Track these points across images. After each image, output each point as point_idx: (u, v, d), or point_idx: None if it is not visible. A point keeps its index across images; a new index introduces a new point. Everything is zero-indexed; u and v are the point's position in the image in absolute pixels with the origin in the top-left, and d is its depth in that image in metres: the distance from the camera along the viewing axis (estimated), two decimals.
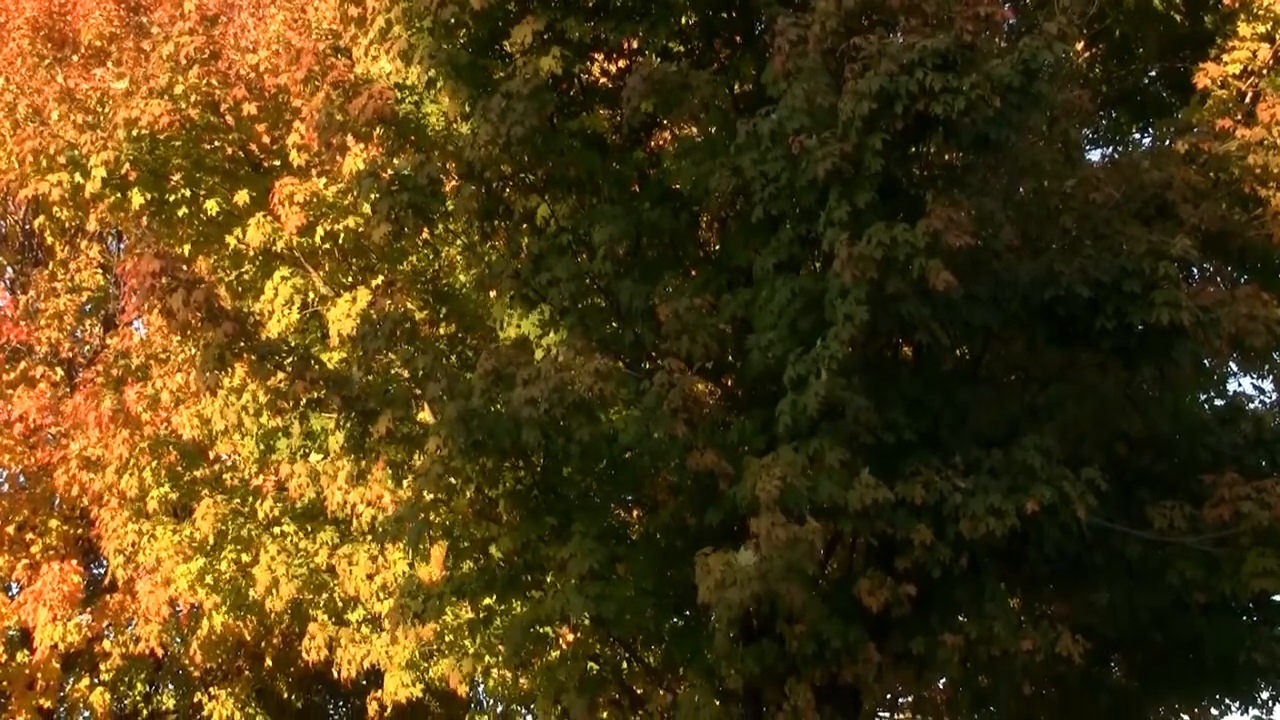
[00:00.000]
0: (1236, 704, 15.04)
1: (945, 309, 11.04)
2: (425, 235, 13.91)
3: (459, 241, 15.05)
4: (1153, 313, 11.07)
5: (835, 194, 10.61)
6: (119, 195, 15.91)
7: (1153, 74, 17.70)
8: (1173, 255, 11.20)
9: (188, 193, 16.12)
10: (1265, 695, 14.80)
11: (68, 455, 19.20)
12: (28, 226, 24.15)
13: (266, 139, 16.77)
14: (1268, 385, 17.68)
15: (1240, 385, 24.62)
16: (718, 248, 13.52)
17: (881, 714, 22.64)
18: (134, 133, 15.59)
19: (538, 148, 12.28)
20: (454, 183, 12.80)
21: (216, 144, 16.40)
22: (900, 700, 21.50)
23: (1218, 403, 14.21)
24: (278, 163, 16.56)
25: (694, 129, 13.20)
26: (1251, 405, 14.54)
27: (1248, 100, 14.73)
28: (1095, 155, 18.03)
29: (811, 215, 11.01)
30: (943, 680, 16.76)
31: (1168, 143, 15.17)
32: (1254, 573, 11.29)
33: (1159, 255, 11.22)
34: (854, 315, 10.26)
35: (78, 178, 15.82)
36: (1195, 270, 14.44)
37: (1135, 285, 11.18)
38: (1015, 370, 13.22)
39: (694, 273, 13.18)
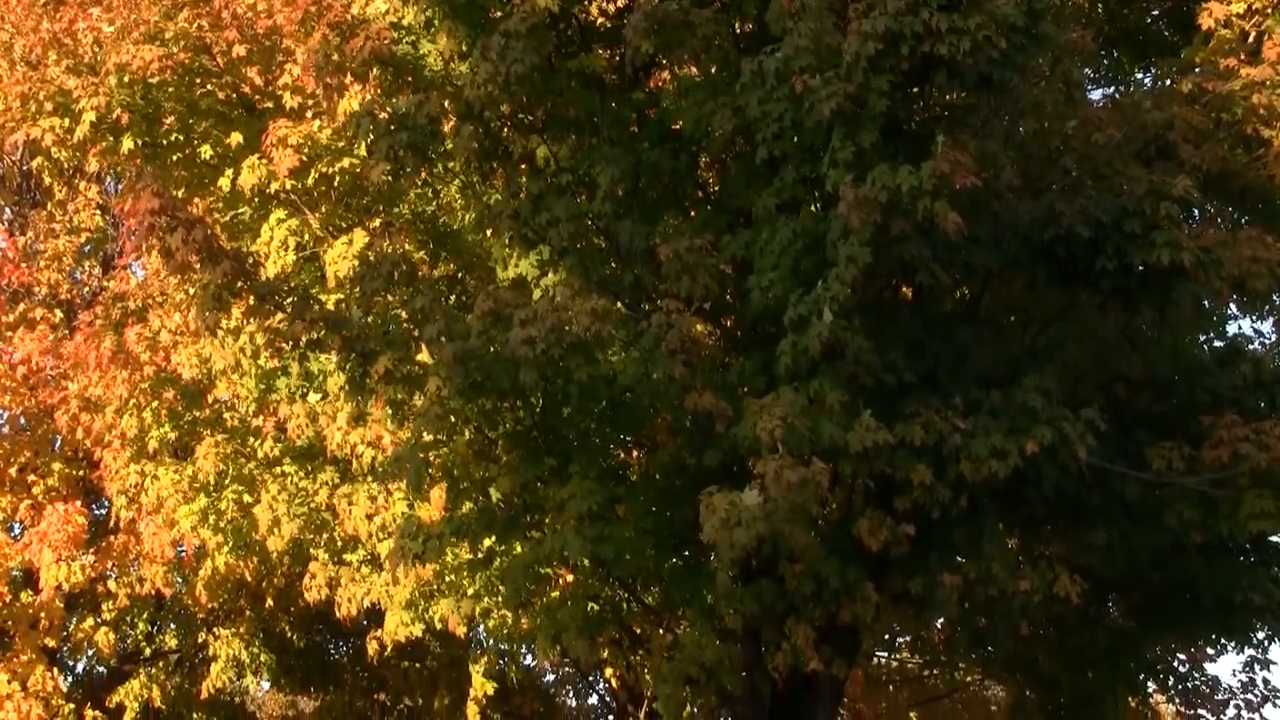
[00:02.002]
0: (1232, 643, 15.15)
1: (945, 250, 11.02)
2: (424, 175, 13.86)
3: (457, 182, 15.00)
4: (1153, 253, 11.05)
5: (839, 134, 10.57)
6: (111, 139, 15.85)
7: (1155, 13, 17.57)
8: (1174, 196, 11.17)
9: (181, 137, 16.05)
10: (1261, 635, 14.90)
11: (68, 396, 19.23)
12: (25, 167, 24.07)
13: (260, 80, 16.68)
14: (1267, 327, 17.68)
15: (1240, 327, 24.60)
16: (717, 188, 13.48)
17: (880, 653, 22.84)
18: (125, 78, 15.50)
19: (537, 87, 12.22)
20: (452, 123, 12.75)
21: (210, 87, 16.32)
22: (899, 640, 21.65)
23: (1217, 344, 14.19)
24: (271, 105, 16.48)
25: (694, 69, 13.12)
26: (1251, 347, 14.53)
27: (1251, 40, 14.61)
28: (1097, 95, 17.93)
29: (814, 156, 10.97)
30: (941, 620, 16.86)
31: (1170, 83, 15.05)
32: (1251, 514, 11.31)
33: (1160, 196, 11.19)
34: (856, 257, 10.23)
35: (68, 122, 15.75)
36: (1196, 211, 14.38)
37: (1136, 226, 11.16)
38: (1015, 311, 13.21)
39: (693, 213, 13.14)
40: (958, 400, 10.96)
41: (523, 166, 12.90)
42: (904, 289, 12.55)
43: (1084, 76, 14.62)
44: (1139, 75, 18.08)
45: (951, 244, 10.84)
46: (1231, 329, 15.37)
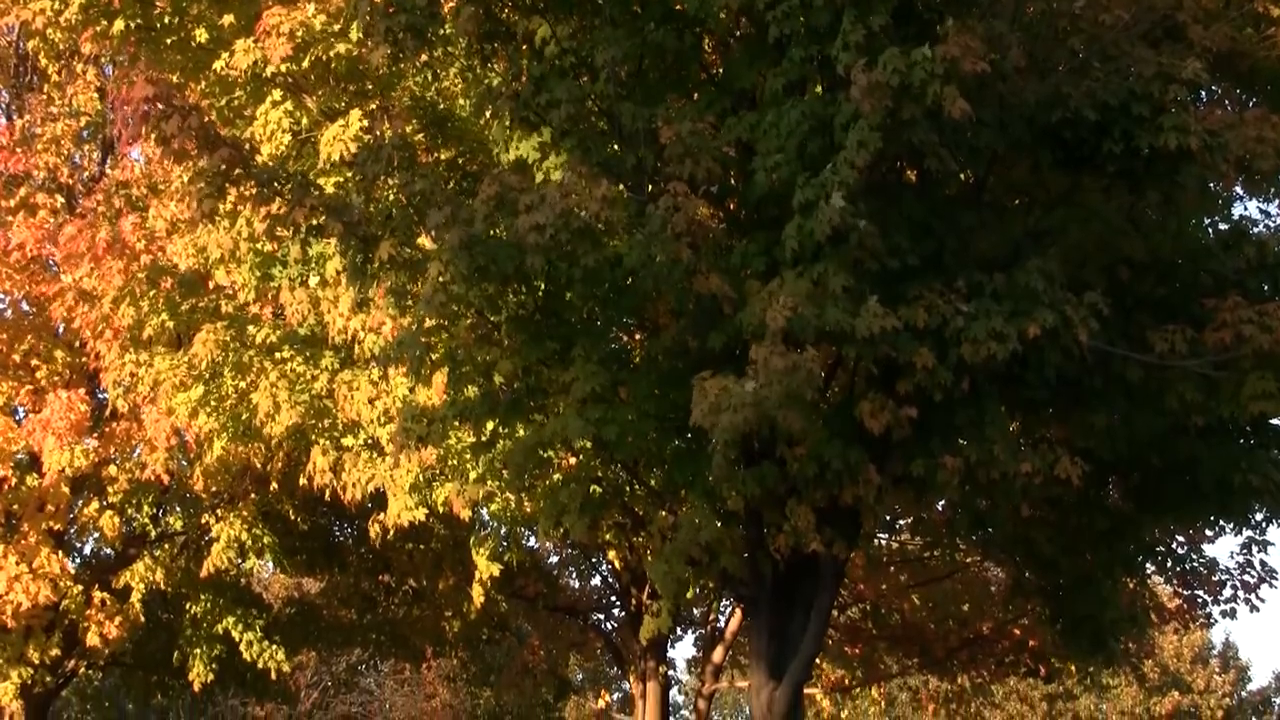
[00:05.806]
0: (1230, 525, 15.26)
1: (952, 133, 10.93)
2: (424, 58, 13.67)
3: (457, 65, 14.81)
4: (1160, 137, 10.99)
5: (850, 16, 10.44)
6: (104, 23, 15.62)
7: None
8: (1182, 79, 11.06)
9: (175, 20, 15.81)
10: (1259, 516, 15.02)
11: (64, 288, 19.19)
12: (21, 50, 23.79)
13: None
14: (1273, 209, 17.62)
15: (1245, 209, 24.47)
16: (720, 70, 13.34)
17: (881, 535, 23.04)
18: None
19: None
20: (452, 3, 12.58)
21: None
22: (899, 521, 21.84)
23: (1221, 227, 14.14)
24: None
25: None
26: (1255, 229, 14.49)
27: None
28: None
29: (822, 37, 10.84)
30: (942, 502, 16.98)
31: None
32: (1252, 396, 11.36)
33: (1168, 79, 11.09)
34: (867, 141, 10.16)
35: (58, 4, 15.52)
36: (1203, 93, 14.25)
37: (1143, 109, 11.08)
38: (1019, 194, 13.13)
39: (696, 95, 13.01)
40: (961, 283, 10.95)
41: (524, 48, 12.74)
42: (908, 172, 12.47)
43: None
44: None
45: (958, 127, 10.76)
46: (1236, 211, 15.28)
